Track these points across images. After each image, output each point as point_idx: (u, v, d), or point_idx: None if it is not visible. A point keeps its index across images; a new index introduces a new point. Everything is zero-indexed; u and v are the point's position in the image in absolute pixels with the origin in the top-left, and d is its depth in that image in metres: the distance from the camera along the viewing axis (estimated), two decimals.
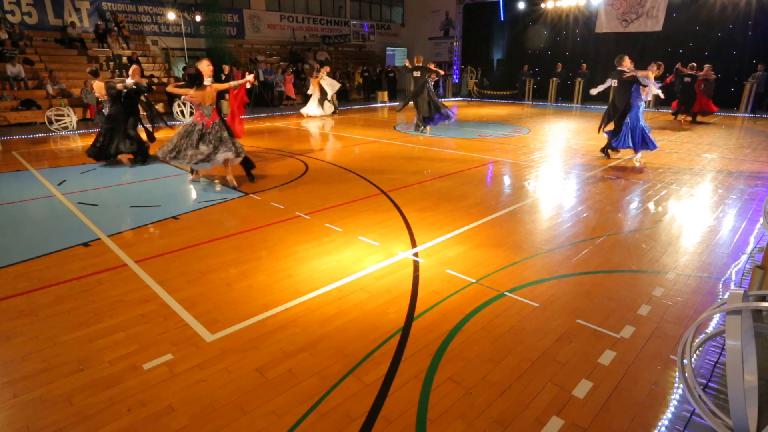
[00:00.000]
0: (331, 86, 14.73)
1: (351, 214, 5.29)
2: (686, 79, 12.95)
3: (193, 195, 6.33)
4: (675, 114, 13.82)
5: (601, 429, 2.18)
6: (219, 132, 6.28)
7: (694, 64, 13.23)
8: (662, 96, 8.59)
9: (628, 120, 7.85)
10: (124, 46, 16.44)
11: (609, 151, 8.29)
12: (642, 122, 7.87)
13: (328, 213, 5.34)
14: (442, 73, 12.34)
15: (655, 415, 2.26)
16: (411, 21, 26.60)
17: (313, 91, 14.82)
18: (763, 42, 15.76)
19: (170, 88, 6.35)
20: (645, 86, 7.74)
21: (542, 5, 20.48)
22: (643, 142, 7.82)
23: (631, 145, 7.84)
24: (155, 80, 15.44)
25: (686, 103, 13.22)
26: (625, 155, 8.52)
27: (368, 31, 23.66)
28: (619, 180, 6.82)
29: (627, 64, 7.78)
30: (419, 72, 10.96)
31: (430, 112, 11.09)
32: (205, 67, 6.71)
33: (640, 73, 7.60)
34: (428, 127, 11.39)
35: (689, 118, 13.41)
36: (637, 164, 7.87)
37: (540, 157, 8.51)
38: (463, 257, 4.10)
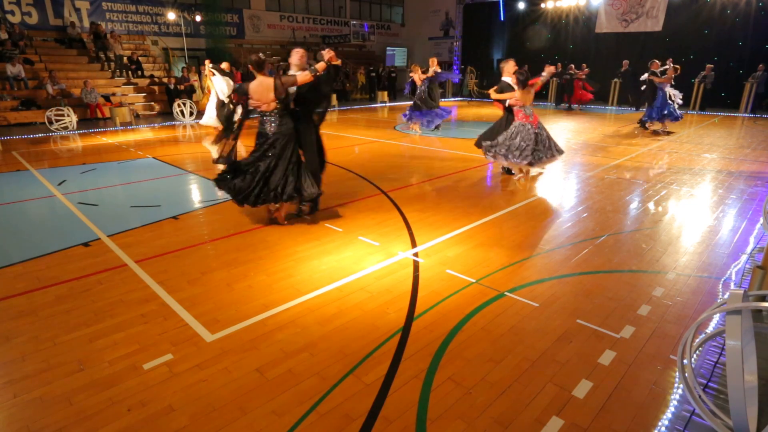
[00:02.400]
0: (223, 89, 10.73)
1: (351, 214, 5.29)
2: (565, 77, 17.10)
3: (193, 195, 6.33)
4: (567, 106, 17.83)
5: (601, 429, 2.18)
6: (547, 133, 6.53)
7: (572, 65, 17.29)
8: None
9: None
10: (126, 46, 16.44)
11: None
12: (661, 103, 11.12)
13: (328, 213, 5.34)
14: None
15: (655, 415, 2.26)
16: (411, 21, 26.60)
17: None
18: (763, 42, 15.76)
19: (494, 95, 6.58)
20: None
21: (542, 5, 20.49)
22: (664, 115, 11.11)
23: (655, 117, 11.20)
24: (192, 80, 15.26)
25: (569, 96, 17.63)
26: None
27: (368, 31, 23.66)
28: (619, 180, 6.82)
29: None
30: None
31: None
32: (511, 67, 6.85)
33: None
34: (416, 125, 11.59)
35: (575, 105, 17.69)
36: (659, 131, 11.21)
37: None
38: (463, 257, 4.10)
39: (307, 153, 4.98)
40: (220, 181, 4.70)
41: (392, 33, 26.69)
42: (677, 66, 11.31)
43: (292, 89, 4.60)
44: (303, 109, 4.88)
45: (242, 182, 4.54)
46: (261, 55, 4.65)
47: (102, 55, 15.61)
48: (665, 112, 10.90)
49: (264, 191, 4.55)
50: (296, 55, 4.91)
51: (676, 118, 10.96)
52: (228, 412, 2.30)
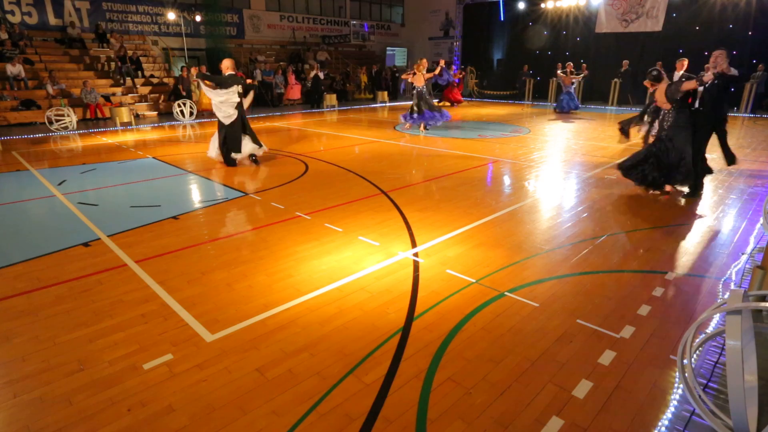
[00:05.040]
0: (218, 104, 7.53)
1: (351, 214, 5.29)
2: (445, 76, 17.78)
3: (193, 195, 6.33)
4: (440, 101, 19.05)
5: (601, 429, 2.18)
6: None
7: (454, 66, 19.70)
8: None
9: None
10: (126, 46, 16.44)
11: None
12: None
13: (328, 213, 5.34)
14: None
15: (655, 415, 2.26)
16: (411, 21, 26.59)
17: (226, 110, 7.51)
18: (763, 42, 15.75)
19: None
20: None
21: (542, 5, 20.48)
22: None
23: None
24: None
25: (446, 93, 19.11)
26: None
27: (368, 31, 23.66)
28: (618, 180, 6.81)
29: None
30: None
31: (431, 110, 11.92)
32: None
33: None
34: (422, 125, 11.92)
35: (448, 103, 18.85)
36: None
37: (540, 157, 8.51)
38: (463, 257, 4.10)
39: (693, 148, 5.70)
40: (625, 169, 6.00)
41: (392, 33, 26.69)
42: (572, 70, 15.70)
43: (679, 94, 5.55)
44: (701, 112, 5.82)
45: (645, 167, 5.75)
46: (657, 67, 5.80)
47: (102, 55, 15.62)
48: (557, 104, 16.02)
49: (659, 175, 5.67)
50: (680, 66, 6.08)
51: (562, 110, 15.76)
52: (228, 412, 2.30)
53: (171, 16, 17.36)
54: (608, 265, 3.94)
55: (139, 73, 16.10)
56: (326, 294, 3.46)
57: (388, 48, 25.78)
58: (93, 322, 3.09)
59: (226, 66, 7.55)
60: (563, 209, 5.50)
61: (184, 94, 14.80)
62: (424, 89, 11.74)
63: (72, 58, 15.48)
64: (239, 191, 6.25)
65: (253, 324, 3.06)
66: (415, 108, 11.79)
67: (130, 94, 15.20)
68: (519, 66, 21.22)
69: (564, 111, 15.74)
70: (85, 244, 4.44)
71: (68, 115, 12.03)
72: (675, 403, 2.32)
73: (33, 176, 7.15)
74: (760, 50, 15.72)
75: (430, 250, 4.27)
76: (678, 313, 3.18)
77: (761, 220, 4.78)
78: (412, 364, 2.65)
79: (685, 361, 2.15)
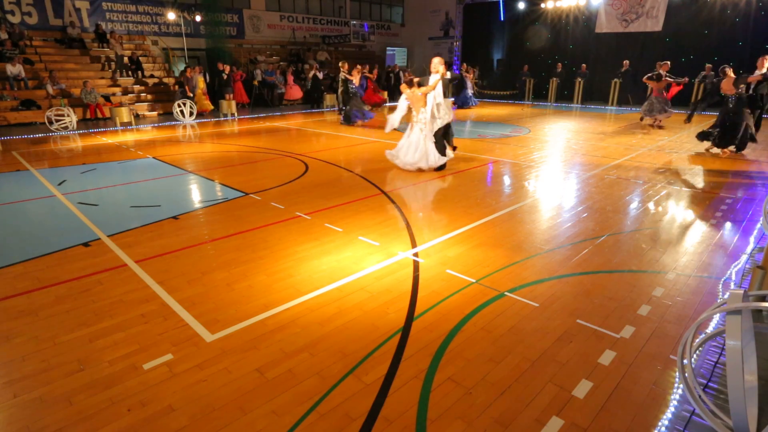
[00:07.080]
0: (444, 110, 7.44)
1: (351, 214, 5.29)
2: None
3: (193, 195, 6.33)
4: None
5: (601, 429, 2.18)
6: None
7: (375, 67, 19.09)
8: None
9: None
10: (126, 46, 16.43)
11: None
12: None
13: (328, 213, 5.34)
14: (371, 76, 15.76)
15: (655, 415, 2.26)
16: (411, 21, 26.58)
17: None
18: (763, 42, 15.76)
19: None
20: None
21: (542, 5, 20.48)
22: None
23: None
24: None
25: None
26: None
27: (368, 31, 23.65)
28: (619, 180, 6.82)
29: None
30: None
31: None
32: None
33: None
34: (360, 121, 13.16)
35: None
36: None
37: (540, 157, 8.51)
38: (463, 257, 4.10)
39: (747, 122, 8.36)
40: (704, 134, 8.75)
41: (392, 33, 26.67)
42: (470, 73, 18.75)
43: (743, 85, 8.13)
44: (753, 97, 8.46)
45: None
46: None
47: (102, 55, 15.59)
48: (462, 100, 17.91)
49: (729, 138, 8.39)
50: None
51: (462, 105, 17.98)
52: (228, 412, 2.30)
53: (171, 16, 17.34)
54: (608, 265, 3.94)
55: (140, 73, 16.09)
56: (326, 294, 3.46)
57: (388, 48, 25.76)
58: (93, 322, 3.09)
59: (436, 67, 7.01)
60: (563, 209, 5.50)
61: (190, 95, 14.75)
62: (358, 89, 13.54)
63: (72, 58, 15.48)
64: (239, 191, 6.25)
65: (253, 324, 3.06)
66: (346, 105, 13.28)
67: (130, 93, 15.17)
68: (519, 66, 21.22)
69: (465, 105, 18.16)
70: (85, 244, 4.44)
71: (68, 115, 12.02)
72: (675, 403, 2.32)
73: (33, 176, 7.15)
74: (760, 50, 15.70)
75: (430, 250, 4.27)
76: (678, 313, 3.18)
77: (761, 220, 4.78)
78: (412, 364, 2.65)
79: (685, 361, 2.15)
